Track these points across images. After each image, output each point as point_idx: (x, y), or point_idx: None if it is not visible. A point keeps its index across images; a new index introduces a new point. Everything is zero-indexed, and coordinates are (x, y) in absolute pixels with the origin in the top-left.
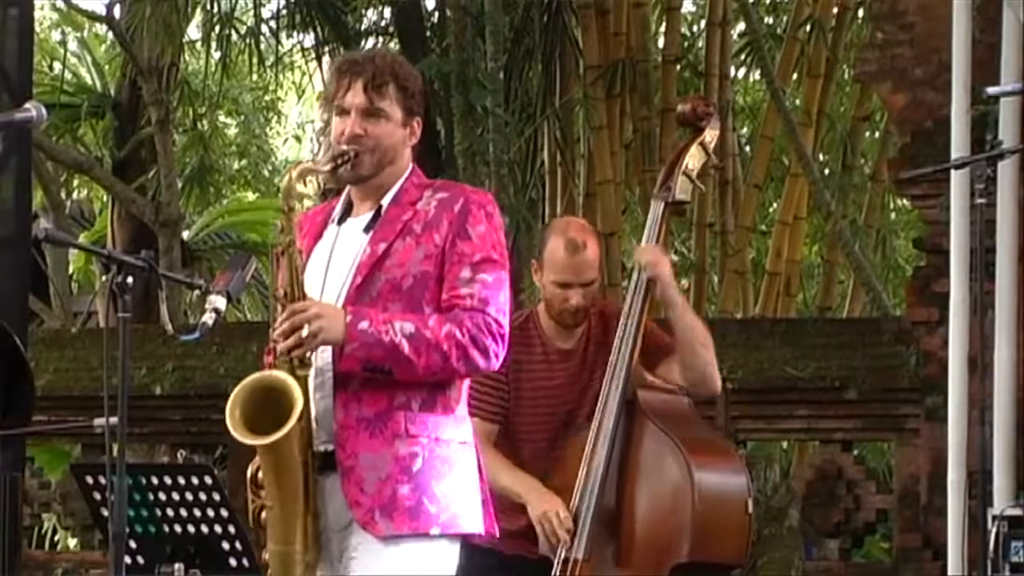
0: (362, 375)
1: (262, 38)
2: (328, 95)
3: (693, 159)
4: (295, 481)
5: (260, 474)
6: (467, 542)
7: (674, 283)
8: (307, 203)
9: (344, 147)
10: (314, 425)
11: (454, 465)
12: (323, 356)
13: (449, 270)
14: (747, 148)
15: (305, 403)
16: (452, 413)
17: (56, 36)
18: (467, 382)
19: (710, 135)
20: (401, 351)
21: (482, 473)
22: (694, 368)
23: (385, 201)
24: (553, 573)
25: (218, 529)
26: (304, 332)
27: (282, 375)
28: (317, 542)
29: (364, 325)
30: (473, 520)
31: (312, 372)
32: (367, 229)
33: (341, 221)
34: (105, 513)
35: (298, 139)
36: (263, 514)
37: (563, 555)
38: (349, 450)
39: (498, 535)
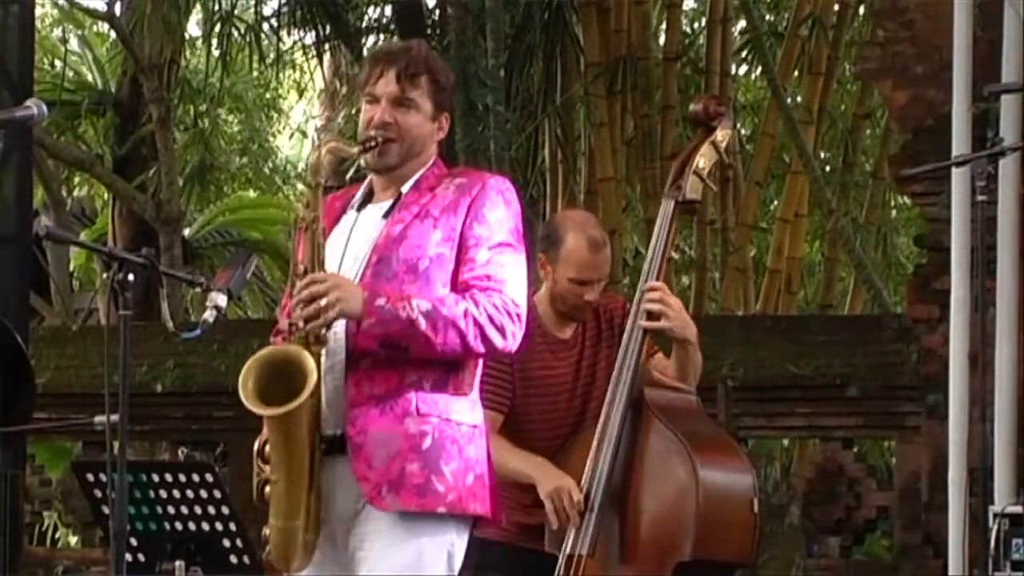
0: (378, 352)
1: (263, 35)
2: (360, 82)
3: (704, 158)
4: (302, 456)
5: (267, 448)
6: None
7: (686, 320)
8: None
9: (372, 132)
10: (325, 408)
11: (464, 447)
12: (335, 338)
13: (466, 252)
14: (748, 145)
15: (318, 378)
16: (464, 395)
17: (57, 34)
18: (480, 367)
19: (722, 134)
20: (418, 327)
21: (491, 460)
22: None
23: (405, 188)
24: (558, 569)
25: (219, 527)
26: (323, 302)
27: (297, 348)
28: (318, 522)
29: (381, 301)
30: (480, 502)
31: (323, 353)
32: (386, 215)
33: (360, 207)
34: (106, 510)
35: (304, 133)
36: (267, 488)
37: (568, 551)
38: (359, 427)
39: (504, 523)
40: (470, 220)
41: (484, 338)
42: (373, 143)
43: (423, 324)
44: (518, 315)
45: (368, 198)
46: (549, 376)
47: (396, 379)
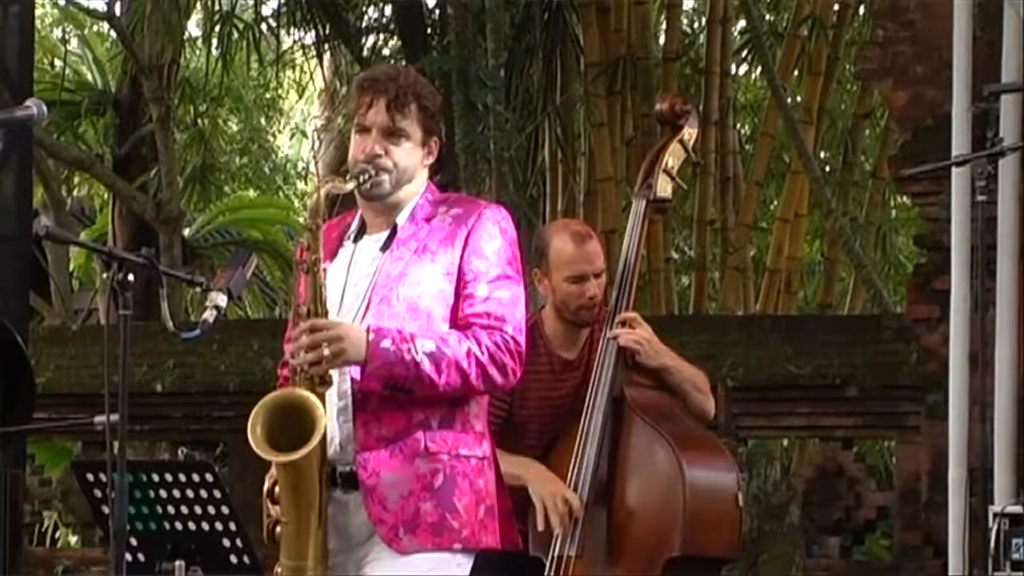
0: (382, 393)
1: (263, 35)
2: (350, 111)
3: (673, 157)
4: (312, 498)
5: (276, 488)
6: None
7: (659, 348)
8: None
9: (364, 165)
10: (338, 449)
11: (474, 480)
12: (344, 380)
13: (464, 287)
14: (748, 145)
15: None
16: (472, 429)
17: (57, 33)
18: (486, 398)
19: (688, 133)
20: (422, 369)
21: (501, 487)
22: (691, 408)
23: (400, 219)
24: (547, 571)
25: (219, 526)
26: (326, 351)
27: (304, 392)
28: (326, 558)
29: (386, 344)
30: (491, 534)
31: (335, 396)
32: (383, 248)
33: (357, 239)
34: (106, 510)
35: (304, 133)
36: (277, 528)
37: (556, 552)
38: (371, 469)
39: (520, 545)
40: (468, 254)
41: (486, 377)
42: (366, 176)
43: (427, 366)
44: (518, 352)
45: (362, 229)
46: (550, 397)
47: (404, 420)
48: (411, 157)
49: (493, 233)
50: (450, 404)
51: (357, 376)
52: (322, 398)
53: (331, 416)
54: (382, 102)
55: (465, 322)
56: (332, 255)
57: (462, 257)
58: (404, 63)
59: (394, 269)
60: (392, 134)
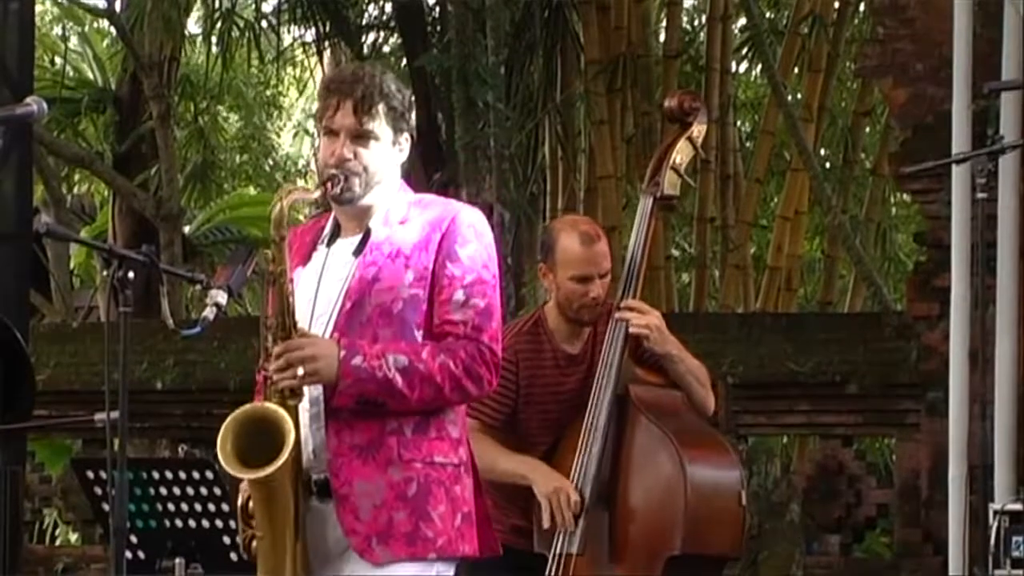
0: (355, 408)
1: (263, 32)
2: (317, 114)
3: (681, 154)
4: (286, 512)
5: (250, 504)
6: None
7: (665, 336)
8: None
9: (333, 171)
10: (311, 456)
11: (450, 488)
12: (316, 387)
13: (440, 293)
14: (748, 143)
15: (297, 434)
16: (447, 436)
17: (57, 31)
18: (464, 406)
19: (697, 130)
20: (395, 385)
21: (480, 490)
22: (693, 401)
23: (373, 223)
24: (548, 569)
25: (219, 523)
26: (300, 371)
27: (273, 407)
28: (306, 568)
29: (357, 361)
30: (469, 542)
31: (307, 403)
32: (356, 252)
33: (330, 242)
34: (106, 508)
35: (306, 131)
36: (254, 543)
37: (558, 550)
38: (343, 478)
39: (501, 552)
40: (442, 259)
41: (460, 389)
42: (336, 181)
43: (399, 382)
44: (495, 363)
45: (336, 232)
46: (556, 392)
47: (377, 427)
48: (381, 158)
49: (468, 236)
50: (425, 412)
51: (329, 401)
52: (293, 411)
53: (303, 423)
54: (348, 104)
55: (441, 330)
56: (306, 259)
57: (436, 261)
58: (404, 60)
59: (367, 274)
60: (360, 136)
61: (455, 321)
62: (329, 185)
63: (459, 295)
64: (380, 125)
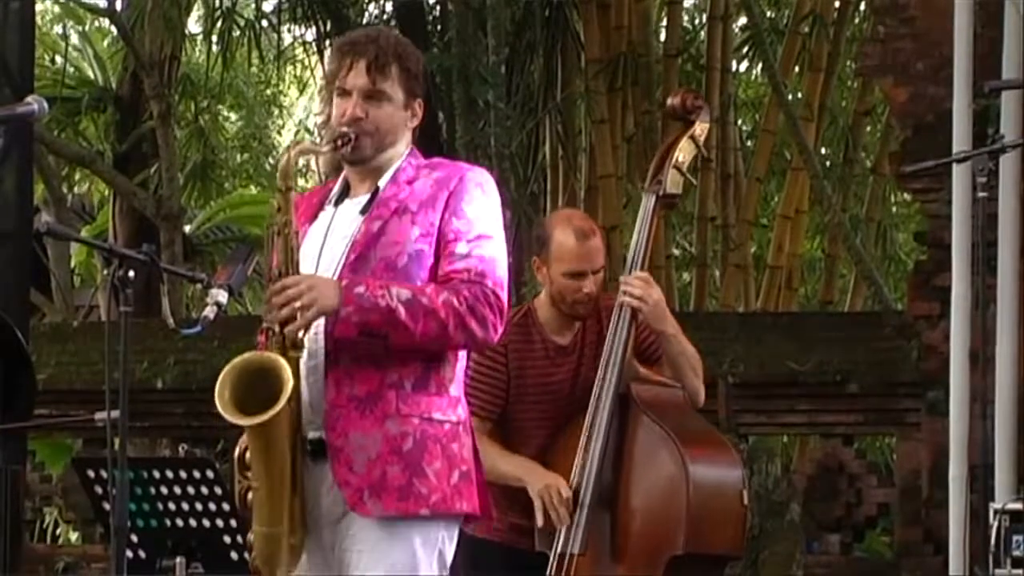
0: (357, 340)
1: (263, 32)
2: (330, 74)
3: (683, 152)
4: (283, 462)
5: (247, 455)
6: (468, 536)
7: (663, 313)
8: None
9: (344, 129)
10: (308, 410)
11: (447, 445)
12: (316, 339)
13: (445, 247)
14: (748, 142)
15: (296, 384)
16: (446, 393)
17: (58, 30)
18: (462, 362)
19: (700, 128)
20: (398, 316)
21: (478, 456)
22: (685, 389)
23: (382, 182)
24: (549, 567)
25: (219, 523)
26: (298, 304)
27: (273, 355)
28: (303, 525)
29: (360, 290)
30: (468, 500)
31: (304, 355)
32: (364, 211)
33: (338, 202)
34: (107, 507)
35: (308, 130)
36: (249, 495)
37: (559, 549)
38: (339, 430)
39: (493, 516)
40: (448, 215)
41: (464, 328)
42: (346, 139)
43: (402, 312)
44: (500, 308)
45: (345, 192)
46: (547, 383)
47: (377, 380)
48: (392, 119)
49: (475, 195)
50: (425, 366)
51: (333, 325)
52: (294, 362)
53: (302, 376)
54: (362, 64)
55: (446, 278)
56: (312, 219)
57: (442, 218)
58: None
59: (372, 227)
60: (373, 96)
61: (459, 269)
62: (339, 143)
63: (462, 247)
64: (393, 86)
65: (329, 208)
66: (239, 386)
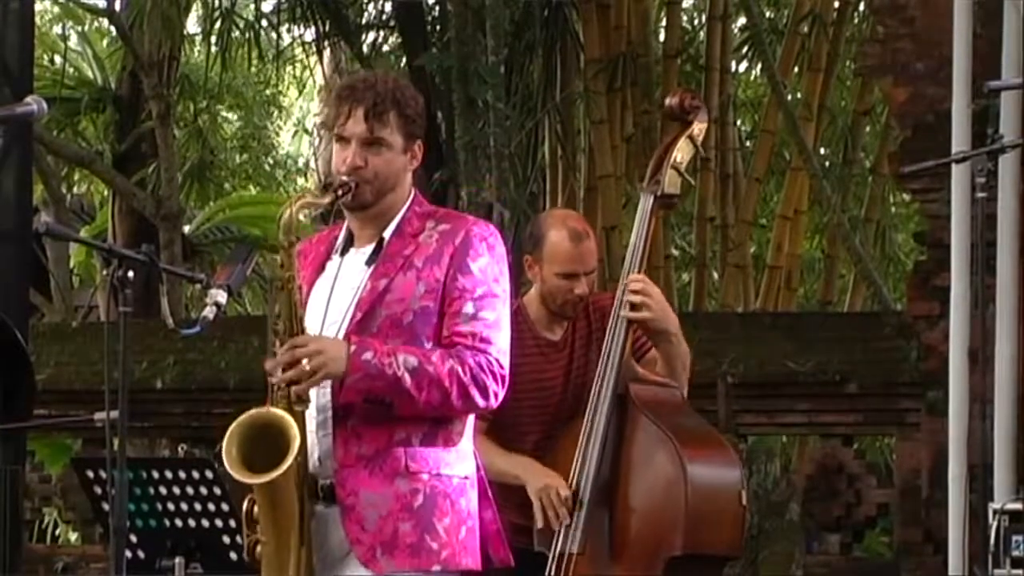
0: (362, 406)
1: (262, 32)
2: (328, 120)
3: (681, 152)
4: (291, 517)
5: (255, 509)
6: None
7: (667, 313)
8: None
9: (344, 178)
10: (317, 463)
11: (456, 500)
12: (324, 394)
13: (450, 305)
14: (748, 142)
15: (302, 439)
16: (454, 447)
17: (57, 30)
18: (472, 417)
19: (698, 128)
20: (403, 384)
21: (488, 503)
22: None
23: (387, 233)
24: (548, 567)
25: (219, 523)
26: (306, 366)
27: (279, 412)
28: (310, 574)
29: (368, 356)
30: (472, 556)
31: (314, 410)
32: (369, 262)
33: (344, 252)
34: (106, 507)
35: (306, 130)
36: (258, 549)
37: (558, 549)
38: (349, 488)
39: (513, 563)
40: (453, 271)
41: (466, 398)
42: (346, 188)
43: (408, 381)
44: (502, 376)
45: (350, 241)
46: (540, 379)
47: (385, 437)
48: (392, 165)
49: (480, 251)
50: (433, 421)
51: (338, 390)
52: (299, 417)
53: (310, 430)
54: (360, 112)
55: (450, 341)
56: (320, 269)
57: (447, 275)
58: (404, 60)
59: (379, 285)
60: (371, 144)
61: (463, 332)
62: (340, 192)
63: (469, 307)
64: (392, 133)
65: (335, 258)
66: (246, 443)
